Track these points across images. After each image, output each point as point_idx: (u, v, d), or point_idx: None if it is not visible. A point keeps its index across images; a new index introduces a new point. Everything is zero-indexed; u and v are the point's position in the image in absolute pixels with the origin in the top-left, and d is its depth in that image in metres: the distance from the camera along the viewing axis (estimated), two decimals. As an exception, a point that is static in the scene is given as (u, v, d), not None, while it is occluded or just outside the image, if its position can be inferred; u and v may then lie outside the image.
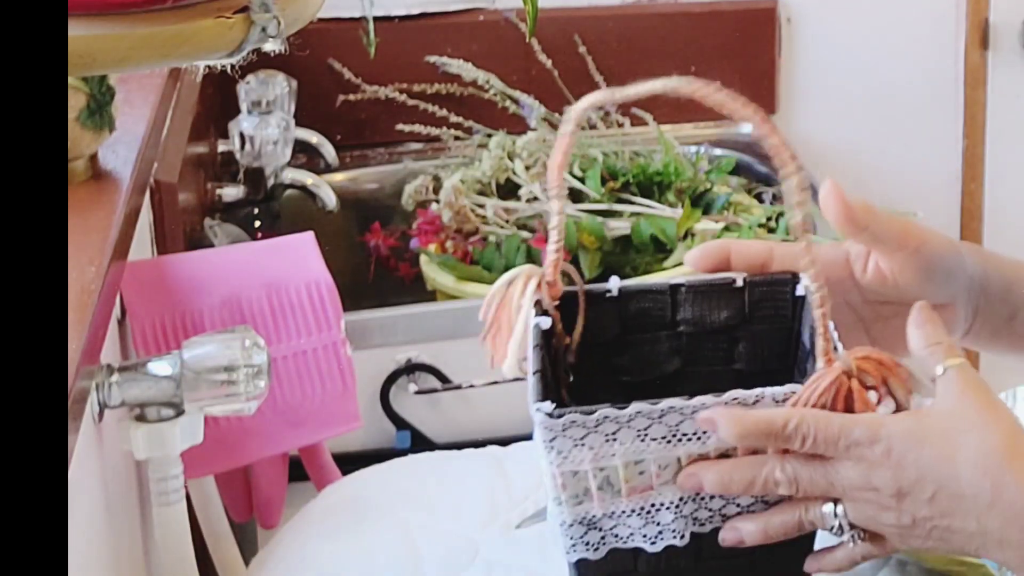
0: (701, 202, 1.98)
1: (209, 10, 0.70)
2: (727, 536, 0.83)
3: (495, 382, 1.75)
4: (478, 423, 1.76)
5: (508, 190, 2.03)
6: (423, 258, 2.03)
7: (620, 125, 2.21)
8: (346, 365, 1.29)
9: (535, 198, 1.99)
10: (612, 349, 0.90)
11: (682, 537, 0.83)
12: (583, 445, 0.80)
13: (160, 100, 1.32)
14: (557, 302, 0.88)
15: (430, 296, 1.99)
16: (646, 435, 0.80)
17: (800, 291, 0.89)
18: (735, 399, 0.79)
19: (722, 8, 2.31)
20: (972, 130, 2.36)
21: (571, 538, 0.83)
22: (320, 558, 1.18)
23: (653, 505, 0.82)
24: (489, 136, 2.12)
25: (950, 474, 0.77)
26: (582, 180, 2.01)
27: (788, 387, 0.80)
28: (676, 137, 2.13)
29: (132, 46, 0.68)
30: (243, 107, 2.01)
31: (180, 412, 1.09)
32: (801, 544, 0.84)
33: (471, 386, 1.75)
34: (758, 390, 0.79)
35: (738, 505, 0.82)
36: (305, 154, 2.20)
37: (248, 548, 1.41)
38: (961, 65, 2.33)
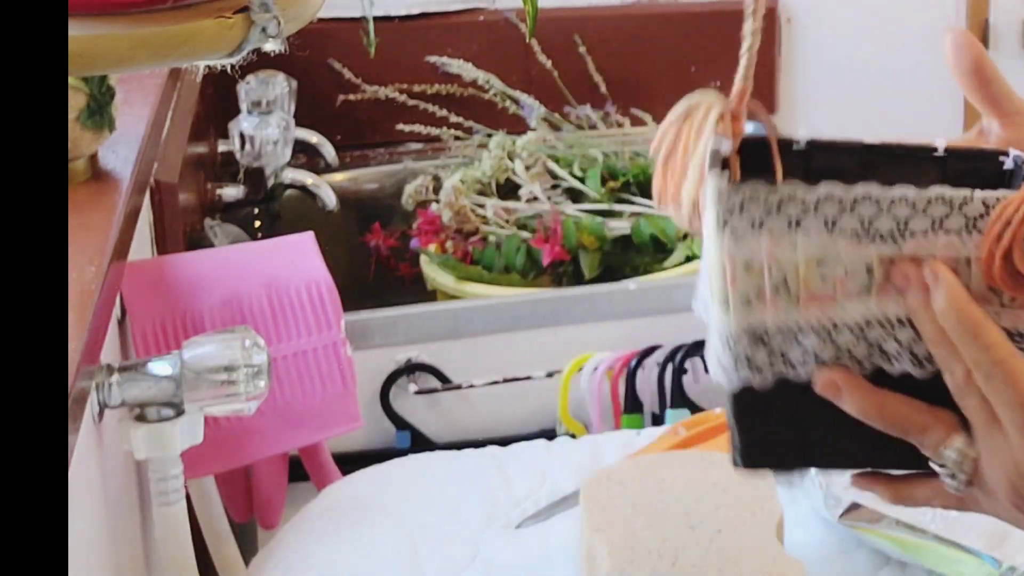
0: (701, 202, 1.98)
1: (209, 10, 0.70)
2: (823, 379, 0.72)
3: (495, 382, 1.76)
4: (478, 423, 1.76)
5: (508, 190, 2.03)
6: (423, 258, 2.03)
7: (620, 125, 2.22)
8: (346, 365, 1.29)
9: (535, 198, 1.99)
10: None
11: (860, 366, 0.73)
12: (762, 228, 0.71)
13: (160, 100, 1.32)
14: (738, 142, 0.77)
15: (430, 296, 2.00)
16: (835, 226, 0.71)
17: (1008, 165, 0.78)
18: (940, 196, 0.71)
19: (722, 8, 2.31)
20: (972, 130, 2.36)
21: (735, 356, 0.72)
22: (320, 558, 1.18)
23: (833, 323, 0.72)
24: (489, 136, 2.12)
25: None
26: (582, 180, 2.01)
27: (1000, 191, 0.71)
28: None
29: (132, 46, 0.68)
30: (243, 107, 2.01)
31: (180, 412, 1.09)
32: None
33: (471, 386, 1.75)
34: (967, 190, 0.71)
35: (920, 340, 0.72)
36: (305, 154, 2.20)
37: (248, 548, 1.41)
38: (961, 65, 2.33)
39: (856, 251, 0.71)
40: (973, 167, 0.79)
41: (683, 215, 0.76)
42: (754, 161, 0.78)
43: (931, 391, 0.72)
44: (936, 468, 0.72)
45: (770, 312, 0.72)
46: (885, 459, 0.75)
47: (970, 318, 0.70)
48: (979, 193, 0.71)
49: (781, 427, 0.74)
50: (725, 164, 0.75)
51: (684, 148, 0.76)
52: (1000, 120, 0.81)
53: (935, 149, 0.79)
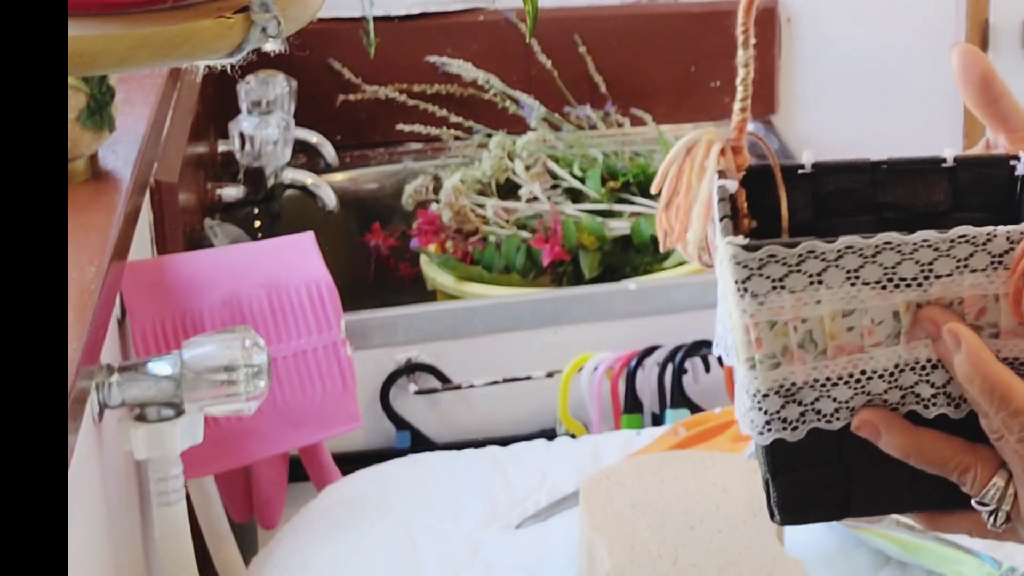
0: (701, 202, 1.98)
1: (209, 10, 0.70)
2: (860, 419, 0.71)
3: (495, 382, 1.76)
4: (478, 423, 1.76)
5: (508, 190, 2.03)
6: (423, 258, 2.03)
7: (620, 125, 2.22)
8: (346, 365, 1.29)
9: (535, 198, 1.99)
10: (803, 235, 0.76)
11: (895, 412, 0.72)
12: (783, 288, 0.69)
13: (160, 100, 1.32)
14: (742, 174, 0.75)
15: (430, 296, 2.00)
16: (857, 278, 0.69)
17: (1021, 170, 0.77)
18: (963, 236, 0.68)
19: (722, 8, 2.31)
20: (972, 130, 2.36)
21: (765, 413, 0.71)
22: (320, 558, 1.18)
23: (864, 372, 0.71)
24: (489, 136, 2.12)
25: None
26: (582, 180, 2.01)
27: (1023, 225, 0.69)
28: (676, 137, 2.12)
29: (132, 46, 0.68)
30: (243, 107, 2.01)
31: (180, 412, 1.09)
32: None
33: (471, 386, 1.75)
34: (990, 228, 0.68)
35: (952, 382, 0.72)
36: (305, 154, 2.20)
37: (248, 548, 1.41)
38: (961, 65, 2.33)
39: (881, 299, 0.69)
40: (984, 174, 0.78)
41: (691, 254, 0.75)
42: (760, 190, 0.77)
43: (969, 427, 0.71)
44: (977, 506, 0.71)
45: (798, 368, 0.70)
46: (924, 501, 0.74)
47: (996, 383, 0.69)
48: (1002, 229, 0.69)
49: (817, 476, 0.73)
50: (735, 202, 0.74)
51: (687, 187, 0.75)
52: (1008, 136, 0.80)
53: (943, 160, 0.78)
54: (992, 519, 0.71)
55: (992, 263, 0.69)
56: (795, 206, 0.78)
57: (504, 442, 1.39)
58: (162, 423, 1.09)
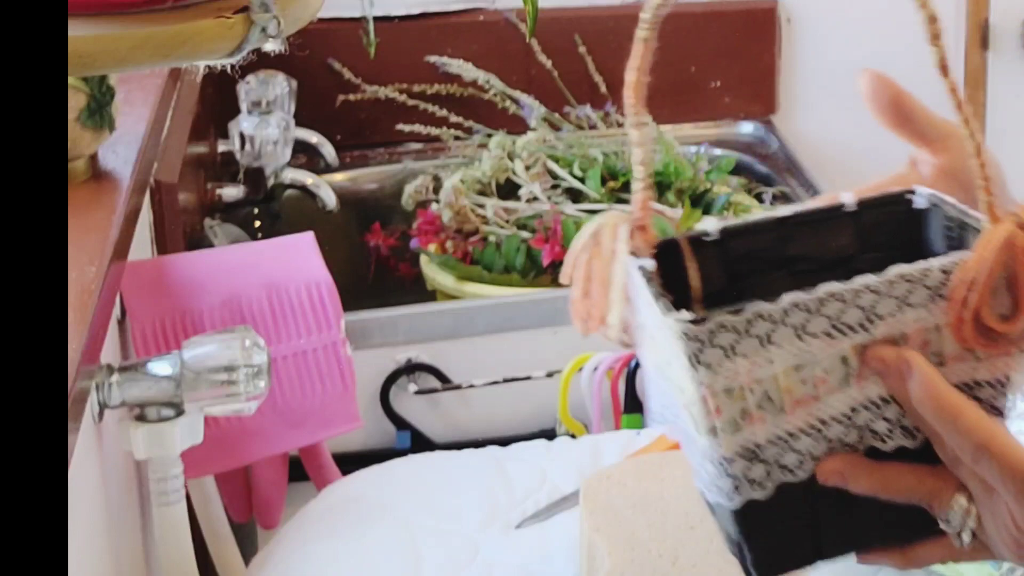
0: (701, 202, 1.99)
1: (209, 10, 0.70)
2: (825, 469, 0.73)
3: (495, 382, 1.76)
4: (478, 423, 1.76)
5: (508, 190, 2.03)
6: (423, 258, 2.03)
7: (620, 125, 2.21)
8: (346, 365, 1.29)
9: (535, 198, 2.00)
10: (719, 302, 0.76)
11: (855, 451, 0.73)
12: (735, 354, 0.69)
13: (160, 100, 1.32)
14: (654, 251, 0.76)
15: (430, 296, 2.00)
16: (805, 332, 0.70)
17: (920, 203, 0.79)
18: (900, 275, 0.71)
19: (722, 8, 2.31)
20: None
21: (733, 477, 0.72)
22: (320, 558, 1.18)
23: (822, 420, 0.72)
24: (489, 136, 2.12)
25: None
26: (582, 180, 2.01)
27: (953, 255, 0.71)
28: (676, 137, 2.13)
29: (132, 46, 0.68)
30: (243, 107, 2.01)
31: (180, 412, 1.09)
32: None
33: (471, 386, 1.75)
34: (923, 262, 0.71)
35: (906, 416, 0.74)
36: (305, 154, 2.20)
37: (248, 548, 1.41)
38: (961, 66, 2.33)
39: (830, 348, 0.71)
40: (885, 213, 0.80)
41: (613, 337, 0.76)
42: (670, 263, 0.77)
43: (929, 455, 0.74)
44: (944, 526, 0.74)
45: (759, 428, 0.72)
46: (895, 534, 0.75)
47: (947, 406, 0.71)
48: (935, 262, 0.71)
49: (790, 528, 0.74)
50: (652, 277, 0.74)
51: (600, 273, 0.76)
52: (928, 148, 0.83)
53: (843, 205, 0.80)
54: (960, 537, 0.73)
55: (930, 296, 0.71)
56: (707, 274, 0.79)
57: (504, 442, 1.39)
58: (162, 423, 1.09)
